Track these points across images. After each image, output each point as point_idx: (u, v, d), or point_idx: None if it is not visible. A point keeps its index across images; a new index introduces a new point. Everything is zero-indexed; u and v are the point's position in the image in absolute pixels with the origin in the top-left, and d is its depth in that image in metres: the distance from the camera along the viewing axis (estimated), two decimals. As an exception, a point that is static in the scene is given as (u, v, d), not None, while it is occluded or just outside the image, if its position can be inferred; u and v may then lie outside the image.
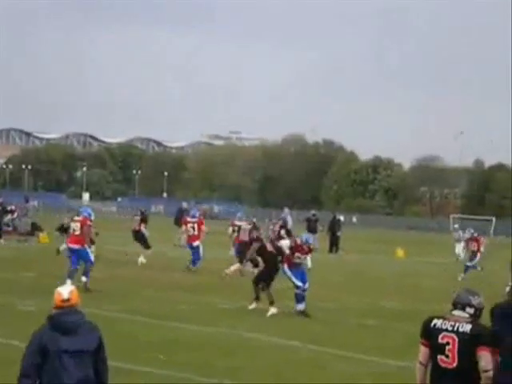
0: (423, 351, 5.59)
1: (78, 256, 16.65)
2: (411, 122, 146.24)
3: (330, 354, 11.06)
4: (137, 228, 23.00)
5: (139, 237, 22.90)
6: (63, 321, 5.33)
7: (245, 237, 19.34)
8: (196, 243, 21.12)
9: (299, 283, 14.48)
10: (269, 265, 14.96)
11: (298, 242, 14.96)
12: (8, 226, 30.93)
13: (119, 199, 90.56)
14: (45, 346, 5.25)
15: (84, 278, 16.44)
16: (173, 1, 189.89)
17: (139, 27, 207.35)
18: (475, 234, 23.89)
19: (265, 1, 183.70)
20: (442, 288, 19.00)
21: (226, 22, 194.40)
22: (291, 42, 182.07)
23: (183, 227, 22.28)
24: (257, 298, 14.89)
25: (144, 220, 23.21)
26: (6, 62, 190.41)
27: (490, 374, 5.32)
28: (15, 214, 32.15)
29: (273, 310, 14.32)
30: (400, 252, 32.07)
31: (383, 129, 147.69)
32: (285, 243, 15.64)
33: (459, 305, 5.56)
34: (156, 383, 8.98)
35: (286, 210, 36.49)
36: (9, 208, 31.76)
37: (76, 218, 17.27)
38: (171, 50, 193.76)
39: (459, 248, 29.97)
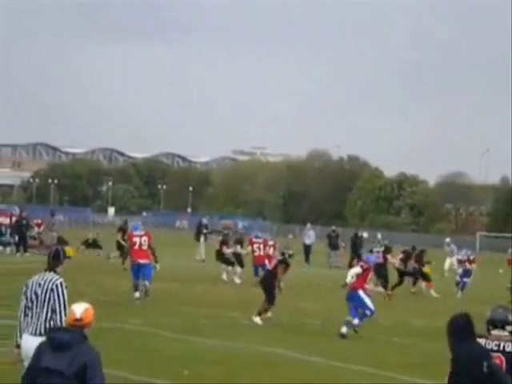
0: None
1: (143, 270, 16.96)
2: (437, 137, 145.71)
3: (352, 370, 11.01)
4: (219, 248, 23.23)
5: (222, 257, 23.13)
6: (53, 337, 5.22)
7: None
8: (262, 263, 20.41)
9: (373, 307, 14.54)
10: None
11: (365, 266, 14.82)
12: (34, 239, 31.32)
13: (144, 214, 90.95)
14: (36, 358, 5.23)
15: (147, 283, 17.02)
16: (183, 16, 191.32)
17: (153, 43, 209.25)
18: (471, 257, 23.82)
19: (288, 16, 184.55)
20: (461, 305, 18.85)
21: (245, 36, 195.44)
22: (316, 54, 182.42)
23: (249, 247, 22.21)
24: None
25: (225, 242, 23.44)
26: (32, 78, 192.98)
27: None
28: (41, 228, 32.54)
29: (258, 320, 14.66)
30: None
31: (408, 145, 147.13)
32: (354, 271, 15.31)
33: (499, 323, 5.54)
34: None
35: (309, 225, 36.53)
36: (35, 222, 32.17)
37: (141, 232, 17.53)
38: (190, 64, 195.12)
39: (449, 263, 29.25)
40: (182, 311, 15.93)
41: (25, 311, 7.17)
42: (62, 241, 33.22)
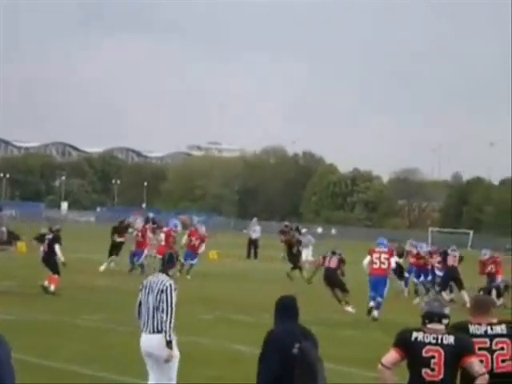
0: (394, 358, 5.62)
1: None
2: (389, 134, 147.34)
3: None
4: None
5: None
6: None
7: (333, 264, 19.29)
8: None
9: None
10: None
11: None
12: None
13: (98, 209, 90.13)
14: None
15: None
16: (160, 9, 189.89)
17: (122, 35, 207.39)
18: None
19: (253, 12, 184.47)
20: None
21: (200, 30, 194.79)
22: (278, 52, 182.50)
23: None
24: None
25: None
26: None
27: (487, 375, 5.49)
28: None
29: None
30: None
31: (362, 141, 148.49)
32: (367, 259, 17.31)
33: (435, 317, 5.62)
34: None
35: (255, 219, 37.17)
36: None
37: (164, 229, 19.16)
38: (149, 58, 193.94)
39: (305, 255, 28.47)
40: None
41: (139, 310, 7.75)
42: (13, 236, 32.65)
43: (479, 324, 5.90)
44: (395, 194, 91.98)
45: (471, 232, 69.78)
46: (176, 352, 7.71)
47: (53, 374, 9.68)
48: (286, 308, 6.01)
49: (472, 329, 5.87)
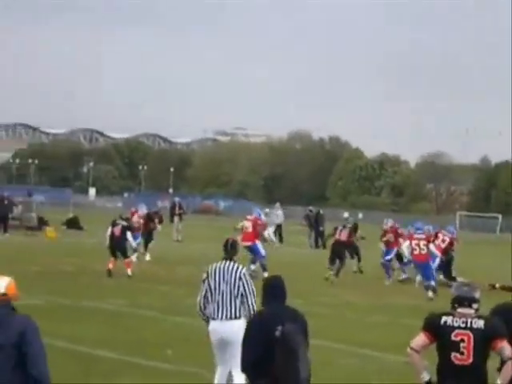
0: (423, 341, 5.64)
1: (250, 251, 19.19)
2: (416, 118, 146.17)
3: (333, 348, 11.05)
4: None
5: None
6: None
7: (343, 236, 20.03)
8: None
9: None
10: None
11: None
12: (15, 219, 30.97)
13: (125, 195, 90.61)
14: None
15: (252, 266, 18.84)
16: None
17: (141, 29, 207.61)
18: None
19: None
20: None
21: (229, 20, 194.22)
22: (300, 35, 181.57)
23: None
24: None
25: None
26: (14, 57, 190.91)
27: None
28: (19, 208, 32.16)
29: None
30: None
31: (389, 125, 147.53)
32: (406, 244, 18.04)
33: (465, 301, 5.58)
34: (163, 377, 9.02)
35: (278, 204, 37.07)
36: (16, 201, 31.83)
37: (248, 217, 19.87)
38: (172, 46, 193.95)
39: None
40: (169, 292, 15.91)
41: (205, 297, 7.74)
42: (42, 221, 33.00)
43: None
44: (422, 178, 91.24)
45: (500, 216, 69.01)
46: None
47: (80, 358, 9.78)
48: (273, 289, 5.96)
49: None
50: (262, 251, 19.50)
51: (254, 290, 7.58)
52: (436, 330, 5.57)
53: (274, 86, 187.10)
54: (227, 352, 7.62)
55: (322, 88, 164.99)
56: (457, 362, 5.48)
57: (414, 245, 17.59)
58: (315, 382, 9.09)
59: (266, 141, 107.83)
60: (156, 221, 23.65)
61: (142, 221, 23.24)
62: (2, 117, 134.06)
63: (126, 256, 18.56)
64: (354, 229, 22.01)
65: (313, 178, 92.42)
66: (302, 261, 23.04)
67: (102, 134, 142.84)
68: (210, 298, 7.70)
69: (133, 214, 23.29)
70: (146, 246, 23.08)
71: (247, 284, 7.64)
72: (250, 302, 7.58)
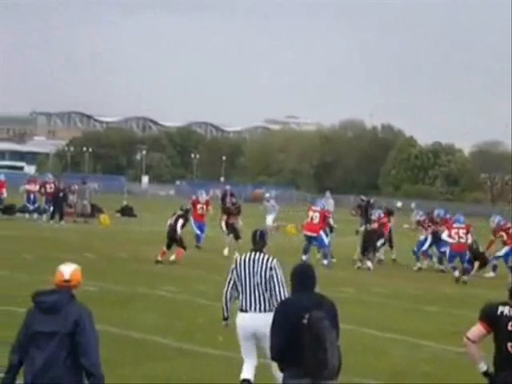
0: (480, 332, 5.61)
1: (314, 242, 19.74)
2: (472, 106, 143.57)
3: (383, 337, 11.02)
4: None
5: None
6: (41, 301, 5.23)
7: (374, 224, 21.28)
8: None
9: None
10: None
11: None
12: (70, 207, 31.30)
13: (178, 182, 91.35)
14: (27, 325, 5.26)
15: (325, 262, 19.35)
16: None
17: (190, 16, 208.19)
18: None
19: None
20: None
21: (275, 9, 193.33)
22: (349, 22, 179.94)
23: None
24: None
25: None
26: (69, 48, 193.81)
27: None
28: (74, 196, 32.55)
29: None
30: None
31: (442, 113, 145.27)
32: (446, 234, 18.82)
33: (522, 292, 5.53)
34: (213, 363, 9.10)
35: (328, 193, 36.72)
36: (71, 188, 32.15)
37: (314, 208, 20.12)
38: (226, 35, 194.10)
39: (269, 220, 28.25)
40: (216, 280, 16.02)
41: (232, 288, 7.63)
42: (96, 209, 33.46)
43: None
44: (477, 168, 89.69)
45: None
46: None
47: (135, 344, 9.92)
48: (300, 277, 5.91)
49: None
50: (326, 240, 19.98)
51: (284, 280, 7.34)
52: (492, 320, 5.53)
53: (326, 73, 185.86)
54: (256, 345, 7.47)
55: (374, 75, 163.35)
56: None
57: (453, 234, 18.32)
58: (369, 370, 9.15)
59: (318, 129, 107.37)
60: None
61: (204, 207, 23.28)
62: (57, 105, 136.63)
63: (182, 246, 18.63)
64: (388, 216, 22.47)
65: (364, 167, 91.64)
66: (351, 250, 22.90)
67: (155, 123, 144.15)
68: (239, 289, 7.51)
69: (194, 202, 23.09)
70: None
71: (277, 275, 7.39)
72: (280, 293, 7.32)
